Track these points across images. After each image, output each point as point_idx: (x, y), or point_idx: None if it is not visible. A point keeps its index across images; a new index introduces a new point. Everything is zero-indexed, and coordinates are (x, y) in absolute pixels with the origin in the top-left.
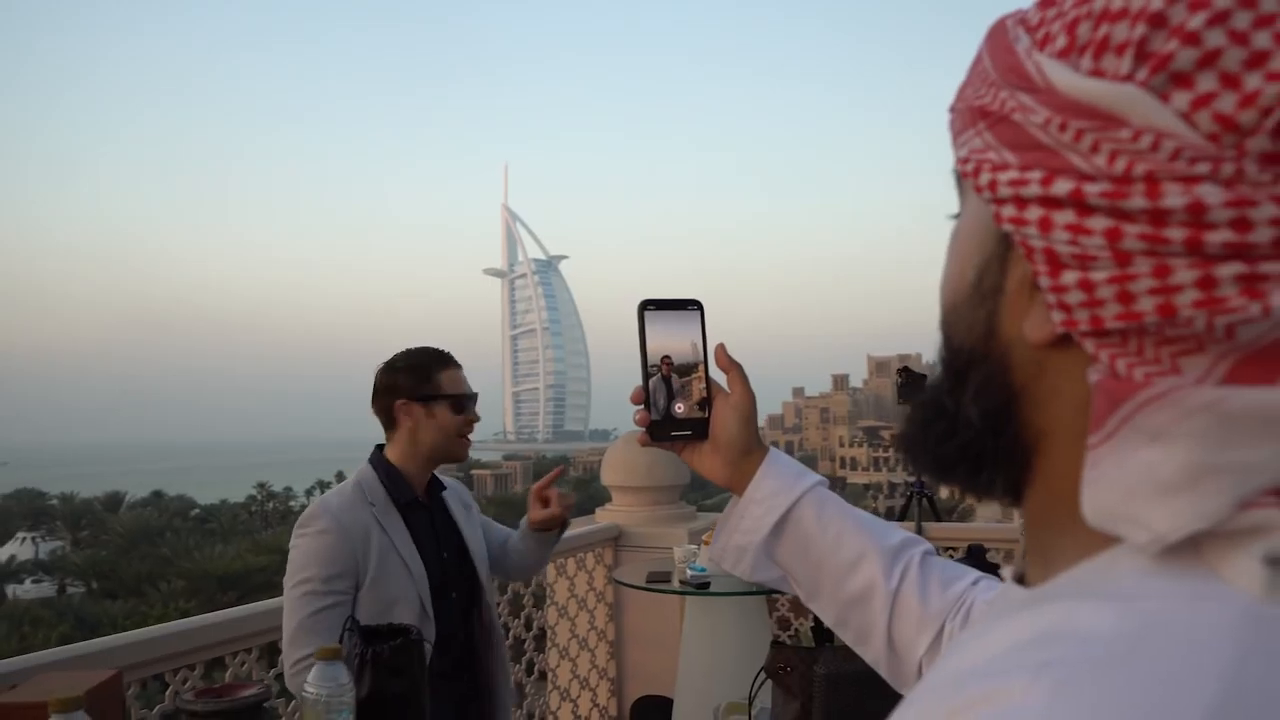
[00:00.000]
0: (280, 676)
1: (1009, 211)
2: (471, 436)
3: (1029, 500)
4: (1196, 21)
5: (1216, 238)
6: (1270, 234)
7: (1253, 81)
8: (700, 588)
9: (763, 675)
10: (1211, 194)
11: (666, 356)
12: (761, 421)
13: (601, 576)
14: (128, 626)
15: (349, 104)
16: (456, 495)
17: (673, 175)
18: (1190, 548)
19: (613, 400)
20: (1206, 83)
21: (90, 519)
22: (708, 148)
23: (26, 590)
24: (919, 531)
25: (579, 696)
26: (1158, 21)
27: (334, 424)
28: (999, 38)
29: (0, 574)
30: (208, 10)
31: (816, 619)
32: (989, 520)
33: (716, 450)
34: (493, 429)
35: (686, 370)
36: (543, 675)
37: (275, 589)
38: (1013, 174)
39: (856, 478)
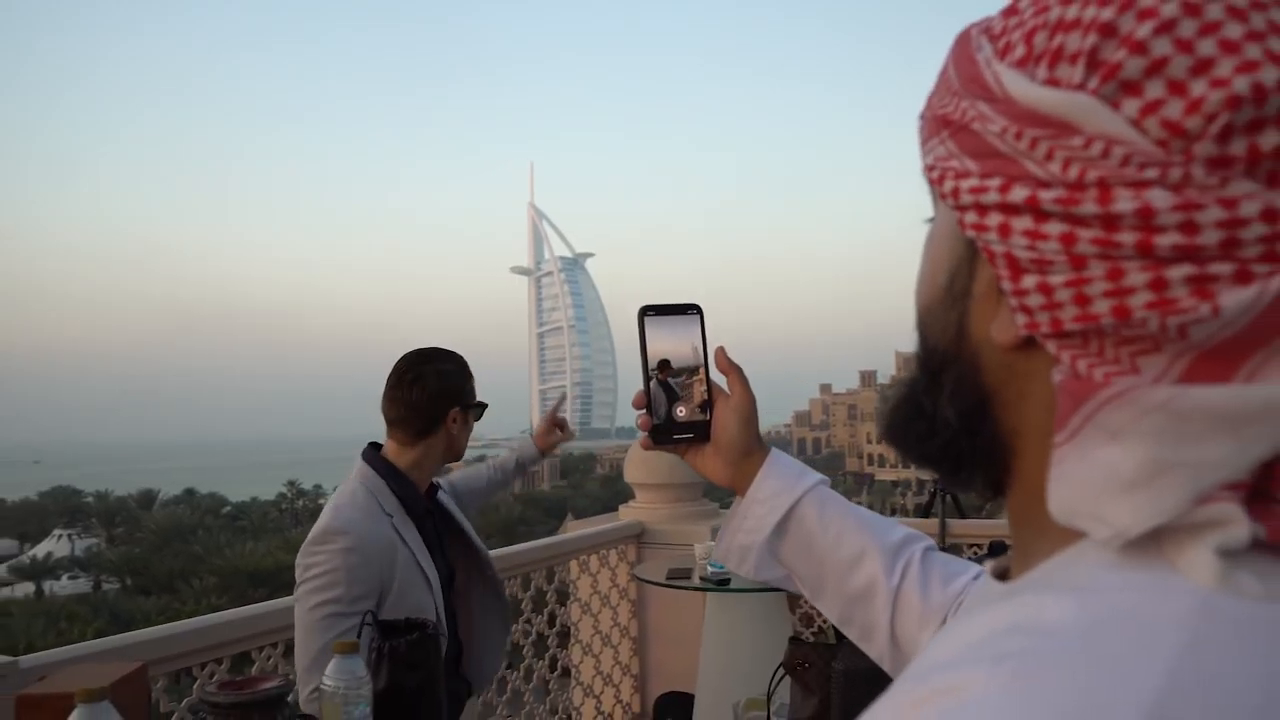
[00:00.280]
0: None
1: (971, 218)
2: (498, 433)
3: (1010, 498)
4: (1144, 31)
5: (1166, 241)
6: (1217, 236)
7: (1198, 88)
8: (720, 584)
9: (781, 671)
10: (1160, 198)
11: (667, 360)
12: (788, 418)
13: (624, 573)
14: (160, 622)
15: (349, 104)
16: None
17: (697, 171)
18: (1150, 542)
19: None
20: (1155, 90)
21: (124, 516)
22: (734, 144)
23: (63, 586)
24: (943, 529)
25: (602, 692)
26: (1108, 31)
27: (358, 422)
28: (963, 47)
29: (38, 570)
30: (208, 10)
31: None
32: None
33: (718, 452)
34: (519, 426)
35: (687, 374)
36: (566, 671)
37: None
38: (973, 181)
39: (885, 474)
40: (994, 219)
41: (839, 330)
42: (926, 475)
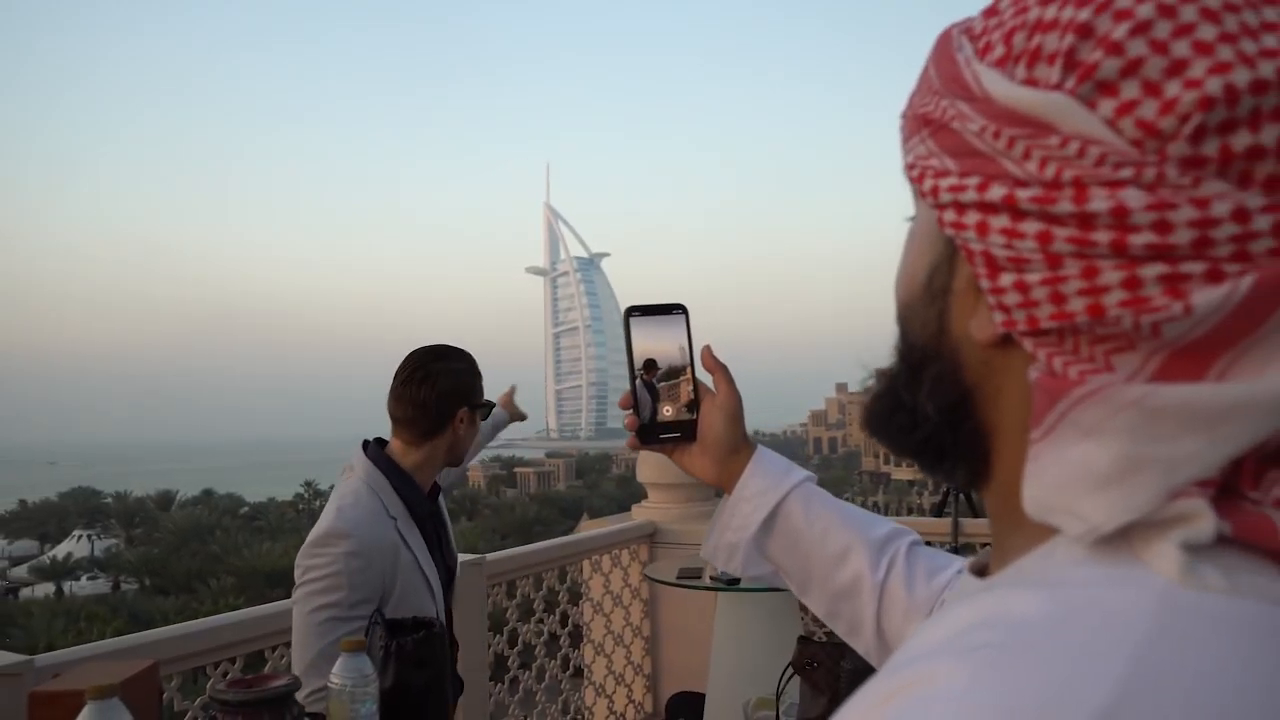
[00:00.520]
0: None
1: (950, 216)
2: (515, 434)
3: (988, 494)
4: (1120, 32)
5: (1139, 240)
6: (1190, 235)
7: (1172, 89)
8: (730, 583)
9: (790, 670)
10: (1134, 198)
11: (653, 360)
12: (804, 418)
13: (637, 573)
14: (178, 622)
15: (350, 104)
16: None
17: (697, 171)
18: (1120, 537)
19: None
20: (1130, 90)
21: (143, 517)
22: (735, 143)
23: (82, 587)
24: (956, 528)
25: (614, 692)
26: (1085, 32)
27: (373, 422)
28: (944, 47)
29: (58, 571)
30: (208, 10)
31: None
32: None
33: (705, 450)
34: (535, 426)
35: (674, 374)
36: (578, 671)
37: None
38: (952, 180)
39: (901, 474)
40: (972, 217)
41: (854, 329)
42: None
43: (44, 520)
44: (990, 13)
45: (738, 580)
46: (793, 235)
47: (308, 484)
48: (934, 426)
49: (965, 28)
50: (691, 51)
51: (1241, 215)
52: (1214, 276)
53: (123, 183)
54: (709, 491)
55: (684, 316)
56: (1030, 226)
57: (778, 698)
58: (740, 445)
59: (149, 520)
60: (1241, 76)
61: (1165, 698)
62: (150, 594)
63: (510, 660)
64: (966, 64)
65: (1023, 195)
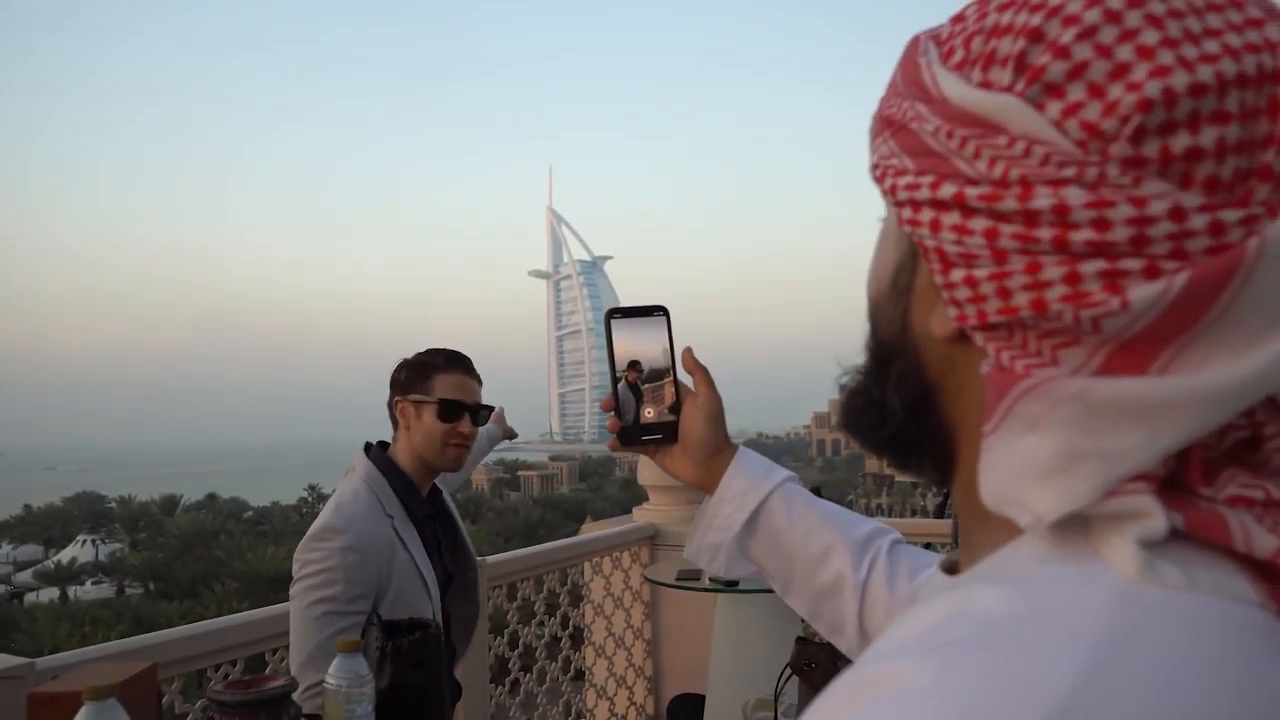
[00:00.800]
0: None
1: (907, 214)
2: (518, 438)
3: (956, 489)
4: (1068, 36)
5: (1080, 237)
6: (1127, 233)
7: (1115, 91)
8: (729, 585)
9: (788, 671)
10: (1075, 196)
11: (635, 362)
12: (807, 420)
13: (637, 575)
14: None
15: (350, 104)
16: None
17: (697, 171)
18: (1081, 535)
19: None
20: (1076, 93)
21: (148, 521)
22: (736, 145)
23: (87, 591)
24: (956, 529)
25: (616, 695)
26: (1035, 36)
27: (379, 425)
28: (911, 52)
29: (62, 575)
30: (208, 10)
31: None
32: None
33: (686, 452)
34: (539, 430)
35: (655, 376)
36: (580, 673)
37: None
38: (909, 178)
39: (905, 475)
40: (926, 214)
41: (857, 331)
42: None
43: (49, 525)
44: (957, 19)
45: (736, 582)
46: (793, 235)
47: (311, 488)
48: (900, 422)
49: (934, 34)
50: (692, 51)
51: (1178, 214)
52: (1151, 273)
53: (122, 183)
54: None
55: (665, 318)
56: (978, 223)
57: (775, 699)
58: (722, 446)
59: (153, 525)
60: (1180, 80)
61: (1120, 695)
62: (154, 598)
63: (511, 663)
64: (928, 67)
65: (972, 193)
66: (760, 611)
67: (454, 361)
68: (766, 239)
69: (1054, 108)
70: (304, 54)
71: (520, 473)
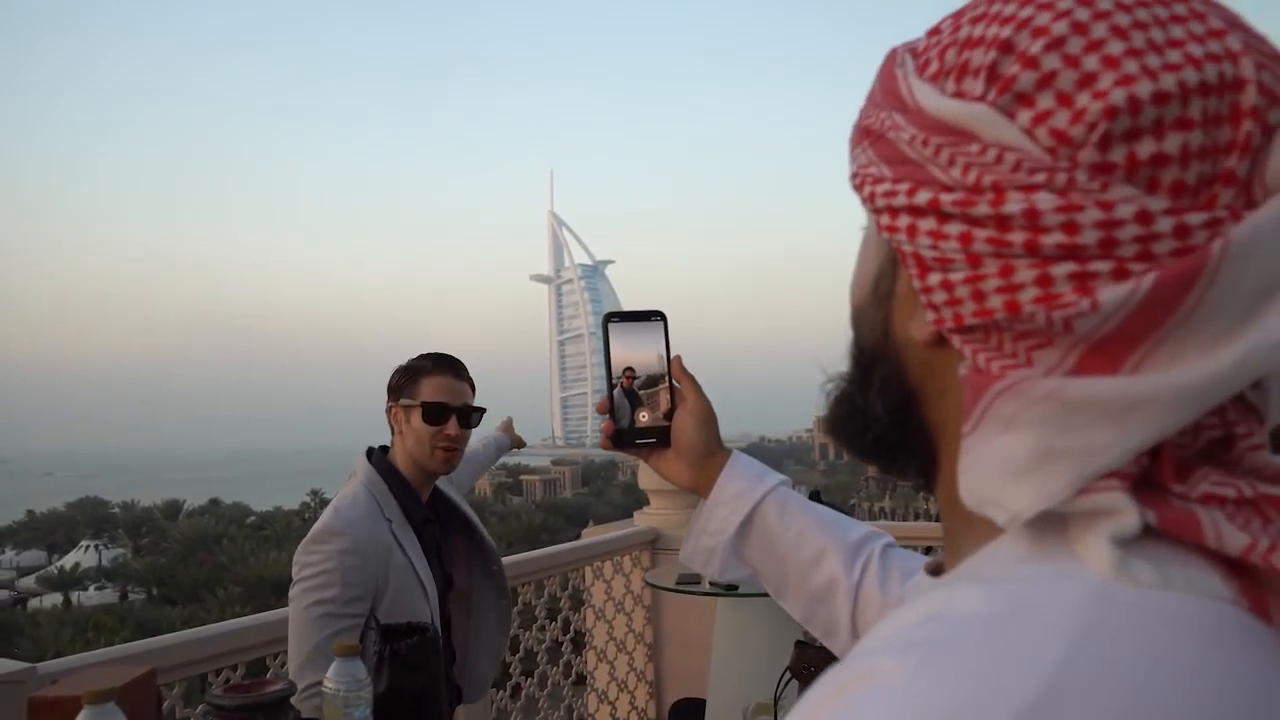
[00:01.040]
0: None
1: (885, 220)
2: (526, 446)
3: (939, 492)
4: (1037, 47)
5: (1050, 240)
6: (1096, 236)
7: (1082, 99)
8: (729, 589)
9: (788, 675)
10: (1045, 200)
11: (629, 368)
12: (809, 423)
13: (639, 579)
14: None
15: (350, 104)
16: (445, 478)
17: (697, 172)
18: (1059, 535)
19: None
20: (1045, 101)
21: (150, 526)
22: (735, 145)
23: (90, 596)
24: None
25: (617, 699)
26: (1006, 48)
27: (381, 430)
28: (889, 64)
29: (65, 581)
30: (208, 10)
31: None
32: None
33: (679, 455)
34: (541, 434)
35: (651, 381)
36: (581, 678)
37: None
38: (887, 186)
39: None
40: (903, 220)
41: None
42: None
43: (52, 530)
44: (933, 32)
45: (736, 586)
46: (795, 236)
47: (314, 493)
48: (884, 426)
49: (911, 47)
50: (692, 51)
51: (1144, 218)
52: (1120, 274)
53: (122, 184)
54: None
55: (663, 324)
56: (953, 228)
57: (775, 703)
58: (715, 450)
59: (156, 530)
60: (1144, 88)
61: (1095, 690)
62: (158, 603)
63: (513, 667)
64: (904, 79)
65: (946, 199)
66: (760, 615)
67: (441, 364)
68: (768, 241)
69: (1024, 116)
70: (304, 54)
71: (523, 477)
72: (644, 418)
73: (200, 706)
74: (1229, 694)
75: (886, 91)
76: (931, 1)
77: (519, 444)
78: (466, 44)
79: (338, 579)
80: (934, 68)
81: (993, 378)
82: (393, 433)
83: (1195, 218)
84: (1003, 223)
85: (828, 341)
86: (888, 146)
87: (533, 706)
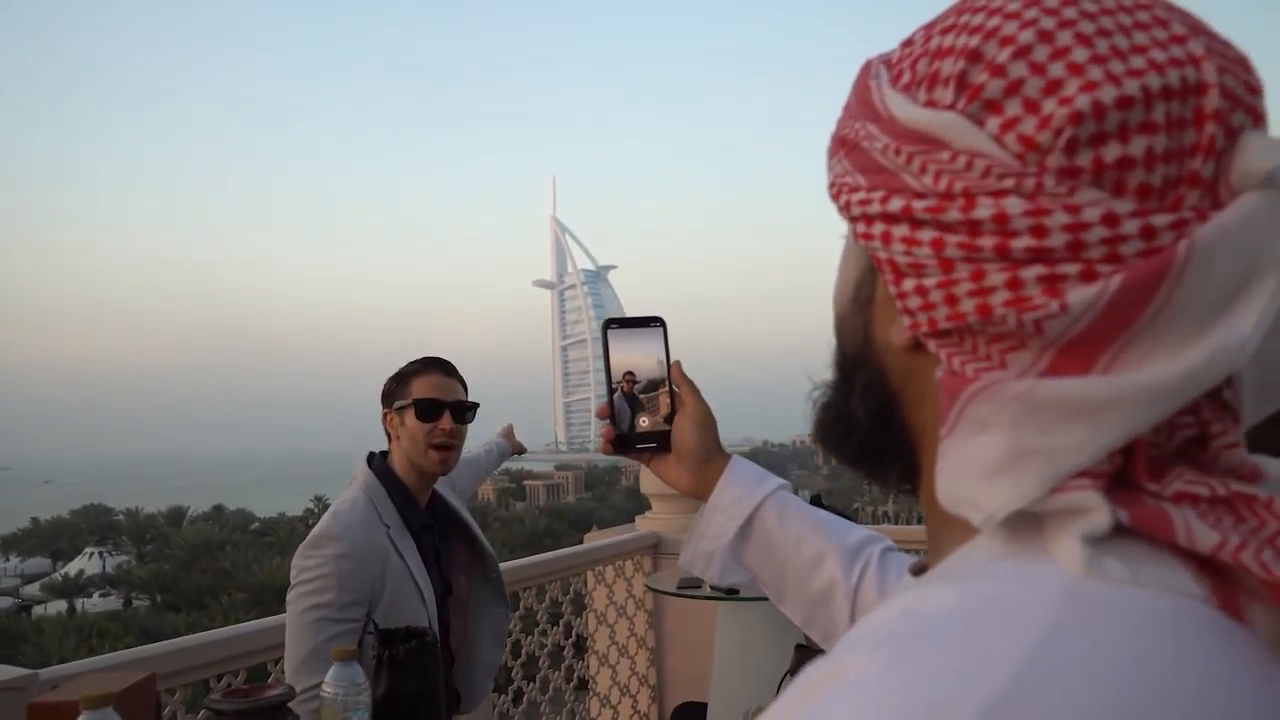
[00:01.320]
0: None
1: (861, 228)
2: (527, 452)
3: (921, 495)
4: (1004, 55)
5: (1019, 244)
6: (1063, 239)
7: (1049, 106)
8: (730, 593)
9: (788, 679)
10: (1014, 205)
11: (629, 373)
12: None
13: (640, 584)
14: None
15: (350, 104)
16: (446, 484)
17: (697, 172)
18: (1034, 533)
19: None
20: (1013, 108)
21: (154, 533)
22: (734, 145)
23: (94, 603)
24: None
25: (619, 703)
26: (974, 57)
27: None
28: (863, 76)
29: (69, 588)
30: (208, 10)
31: None
32: None
33: (680, 460)
34: (544, 439)
35: (651, 385)
36: (583, 683)
37: None
38: (862, 194)
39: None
40: (878, 228)
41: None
42: None
43: (56, 537)
44: (905, 44)
45: (737, 590)
46: (799, 240)
47: (317, 499)
48: (866, 431)
49: (885, 58)
50: (693, 52)
51: (1111, 220)
52: (1088, 276)
53: (122, 187)
54: None
55: (662, 329)
56: (926, 234)
57: None
58: (714, 454)
59: (160, 537)
60: (1108, 94)
61: (1060, 688)
62: (161, 610)
63: (515, 672)
64: (877, 89)
65: (919, 206)
66: (761, 619)
67: (429, 364)
68: (769, 243)
69: (993, 123)
70: (306, 59)
71: (526, 482)
72: (644, 422)
73: (201, 712)
74: (1200, 690)
75: (861, 102)
76: (931, 2)
77: (520, 450)
78: (469, 49)
79: (334, 584)
80: (906, 78)
81: (967, 380)
82: (390, 440)
83: (1161, 219)
84: (973, 228)
85: (817, 349)
86: (862, 156)
87: (535, 711)
